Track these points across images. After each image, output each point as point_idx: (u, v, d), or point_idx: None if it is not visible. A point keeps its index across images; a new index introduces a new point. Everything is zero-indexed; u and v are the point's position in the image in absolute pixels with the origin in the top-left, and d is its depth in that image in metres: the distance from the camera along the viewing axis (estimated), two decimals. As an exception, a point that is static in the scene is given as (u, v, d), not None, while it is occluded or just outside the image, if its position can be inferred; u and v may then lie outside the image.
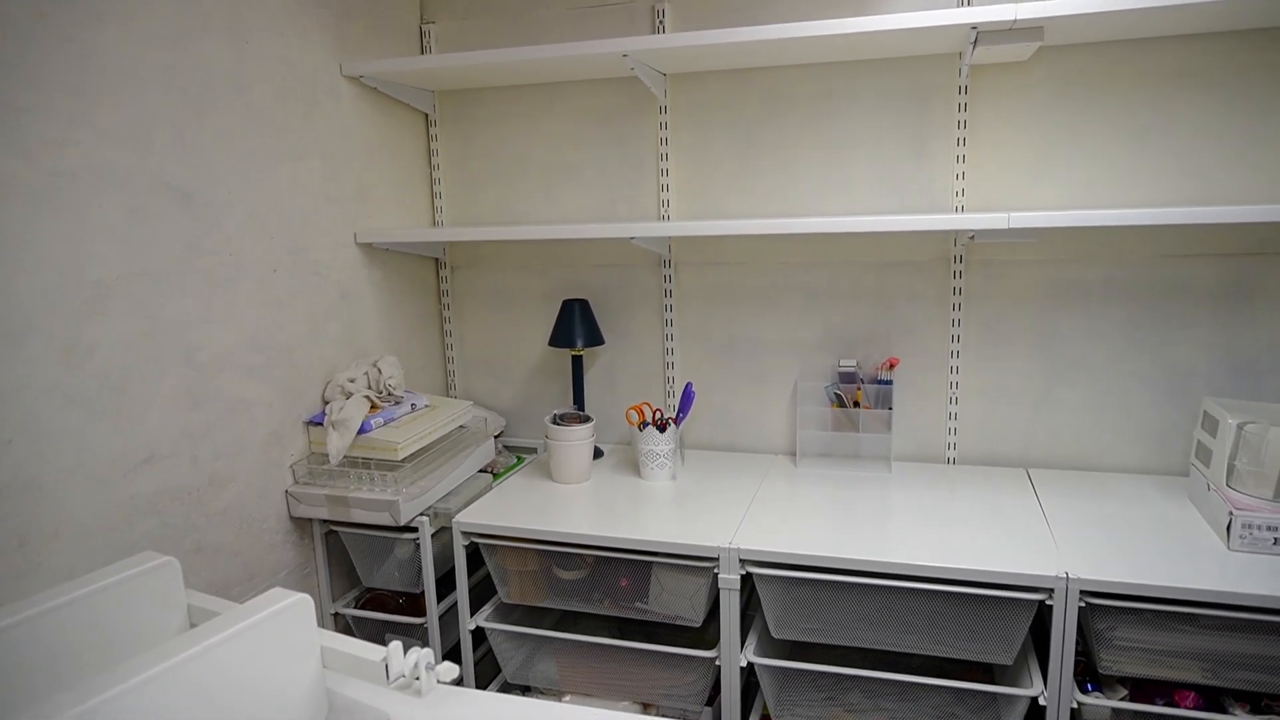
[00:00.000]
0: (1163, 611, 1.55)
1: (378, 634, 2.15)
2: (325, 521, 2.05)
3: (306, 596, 1.12)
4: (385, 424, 2.01)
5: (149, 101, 1.60)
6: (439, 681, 1.13)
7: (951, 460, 2.26)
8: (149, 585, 1.23)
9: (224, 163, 1.78)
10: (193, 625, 1.28)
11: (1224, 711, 1.58)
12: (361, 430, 1.97)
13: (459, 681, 2.07)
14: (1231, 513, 1.65)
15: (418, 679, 1.10)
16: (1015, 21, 1.73)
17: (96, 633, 1.17)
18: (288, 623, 1.11)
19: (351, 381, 2.06)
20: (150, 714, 0.95)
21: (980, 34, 1.80)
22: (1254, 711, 1.58)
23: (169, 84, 1.64)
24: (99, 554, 1.52)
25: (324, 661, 1.17)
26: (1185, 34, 1.92)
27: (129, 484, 1.58)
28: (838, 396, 2.20)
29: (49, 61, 1.42)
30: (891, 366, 2.19)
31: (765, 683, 1.82)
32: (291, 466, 1.99)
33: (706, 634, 1.88)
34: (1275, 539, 1.62)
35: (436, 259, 2.57)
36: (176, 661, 0.99)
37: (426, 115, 2.49)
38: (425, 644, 2.05)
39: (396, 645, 1.12)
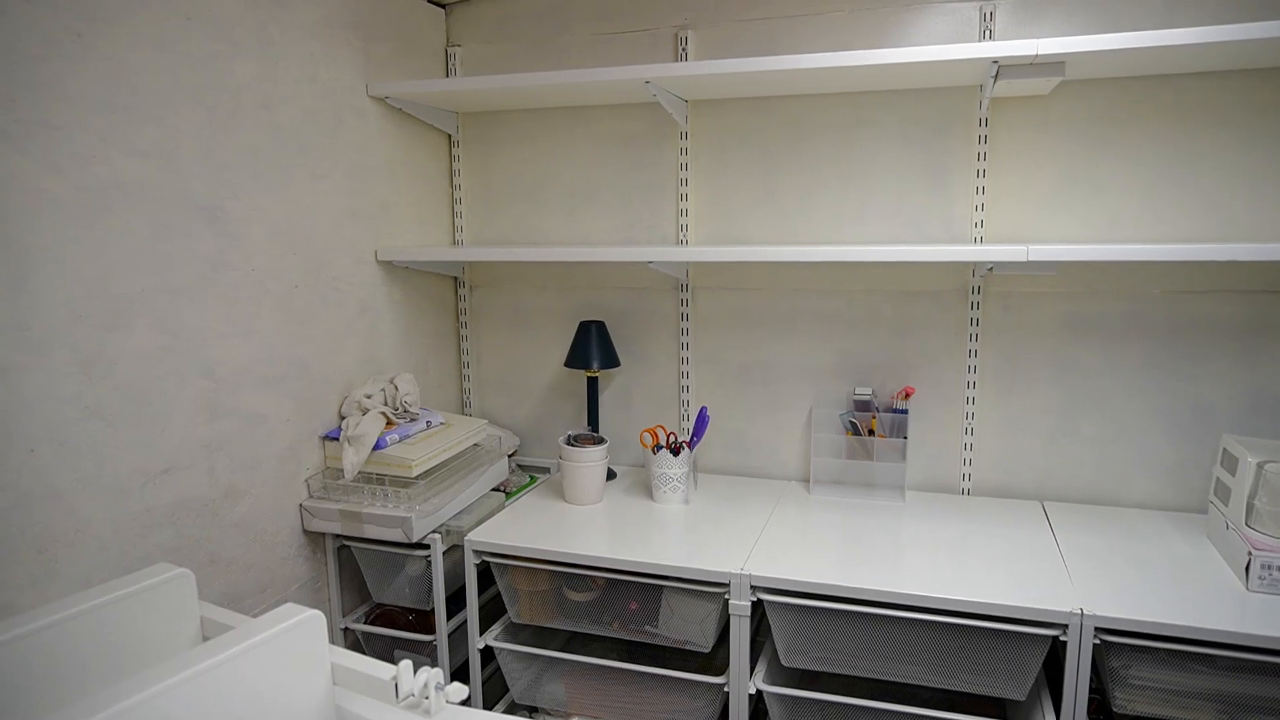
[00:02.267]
0: (1179, 651, 1.53)
1: (387, 649, 2.15)
2: (338, 536, 2.06)
3: (319, 613, 1.13)
4: (400, 440, 2.02)
5: (178, 120, 1.63)
6: (448, 702, 1.13)
7: (966, 491, 2.24)
8: (164, 597, 1.24)
9: (249, 180, 1.80)
10: (205, 637, 1.28)
11: (1240, 755, 1.56)
12: (377, 446, 1.98)
13: (469, 702, 2.07)
14: (1250, 553, 1.63)
15: (427, 699, 1.11)
16: (1037, 56, 1.74)
17: (110, 643, 1.18)
18: (299, 638, 1.12)
19: (368, 398, 2.07)
20: (161, 727, 0.96)
21: (1001, 68, 1.81)
22: (1271, 756, 1.55)
23: (198, 102, 1.67)
24: (115, 564, 1.53)
25: (334, 678, 1.17)
26: (1206, 71, 1.92)
27: (146, 495, 1.59)
28: (853, 424, 2.19)
29: (83, 80, 1.45)
30: (907, 396, 2.18)
31: (774, 711, 1.80)
32: (306, 481, 2.00)
33: (715, 660, 1.87)
34: (1294, 580, 1.60)
35: (456, 278, 2.60)
36: (189, 675, 0.99)
37: (450, 136, 2.52)
38: (434, 661, 2.05)
39: (407, 664, 1.12)
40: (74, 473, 1.46)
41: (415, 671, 1.13)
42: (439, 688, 1.11)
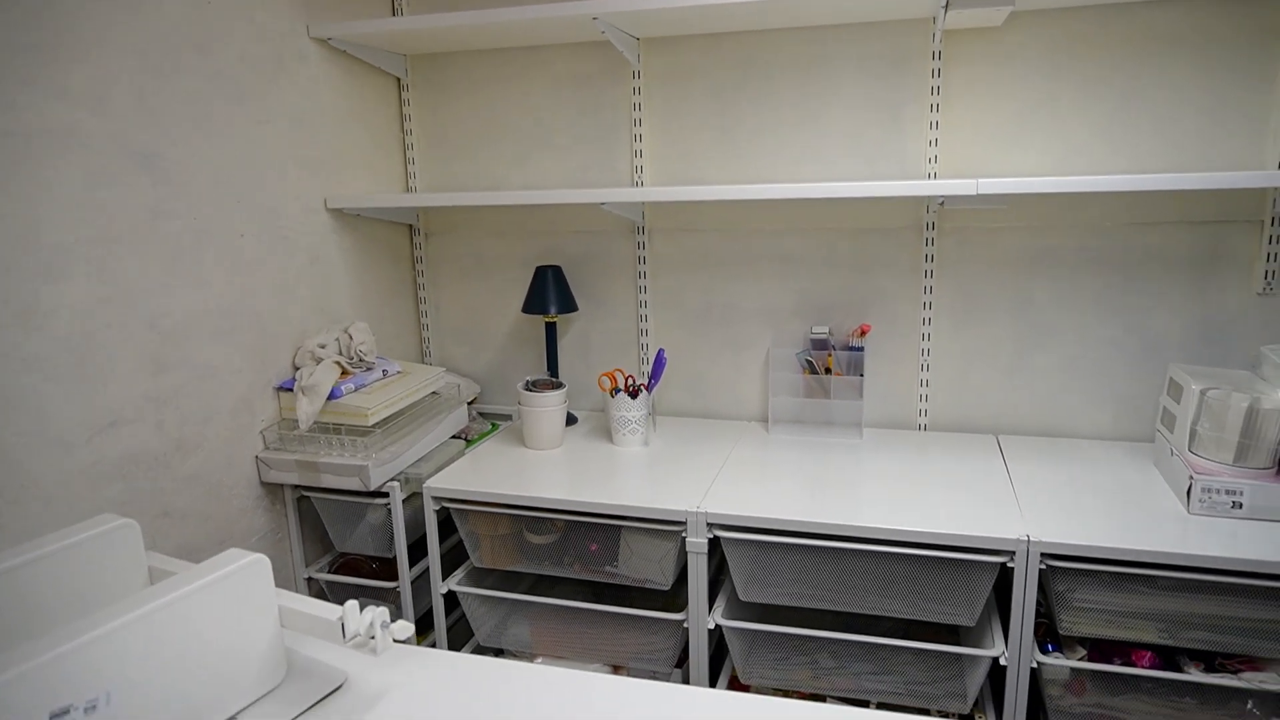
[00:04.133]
0: (1121, 573, 1.57)
1: (352, 598, 2.15)
2: (296, 487, 2.06)
3: (263, 556, 1.12)
4: (356, 390, 2.01)
5: (108, 63, 1.57)
6: (395, 640, 1.14)
7: (923, 427, 2.27)
8: (108, 547, 1.23)
9: (187, 126, 1.75)
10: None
11: (1179, 670, 1.61)
12: (332, 396, 1.96)
13: (432, 644, 2.09)
14: (1192, 477, 1.67)
15: (373, 638, 1.11)
16: (986, -16, 1.72)
17: (54, 595, 1.18)
18: (245, 582, 1.11)
19: (322, 347, 2.05)
20: (105, 671, 0.96)
21: (951, -3, 1.78)
22: (1208, 670, 1.60)
23: (129, 45, 1.61)
24: (62, 518, 1.52)
25: (282, 621, 1.17)
26: (1156, 0, 1.91)
27: (93, 449, 1.57)
28: (809, 363, 2.20)
29: (3, 19, 1.39)
30: (863, 333, 2.19)
31: (733, 645, 1.84)
32: (262, 432, 1.98)
33: (679, 598, 1.90)
34: (1234, 502, 1.64)
35: (410, 225, 2.56)
36: (131, 618, 0.99)
37: (399, 79, 2.46)
38: (399, 607, 2.07)
39: (353, 605, 1.12)
40: (13, 426, 1.43)
41: (361, 611, 1.13)
42: (385, 626, 1.11)
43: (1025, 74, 2.02)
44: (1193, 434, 1.73)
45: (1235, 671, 1.59)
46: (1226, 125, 1.93)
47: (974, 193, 1.78)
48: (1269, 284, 1.95)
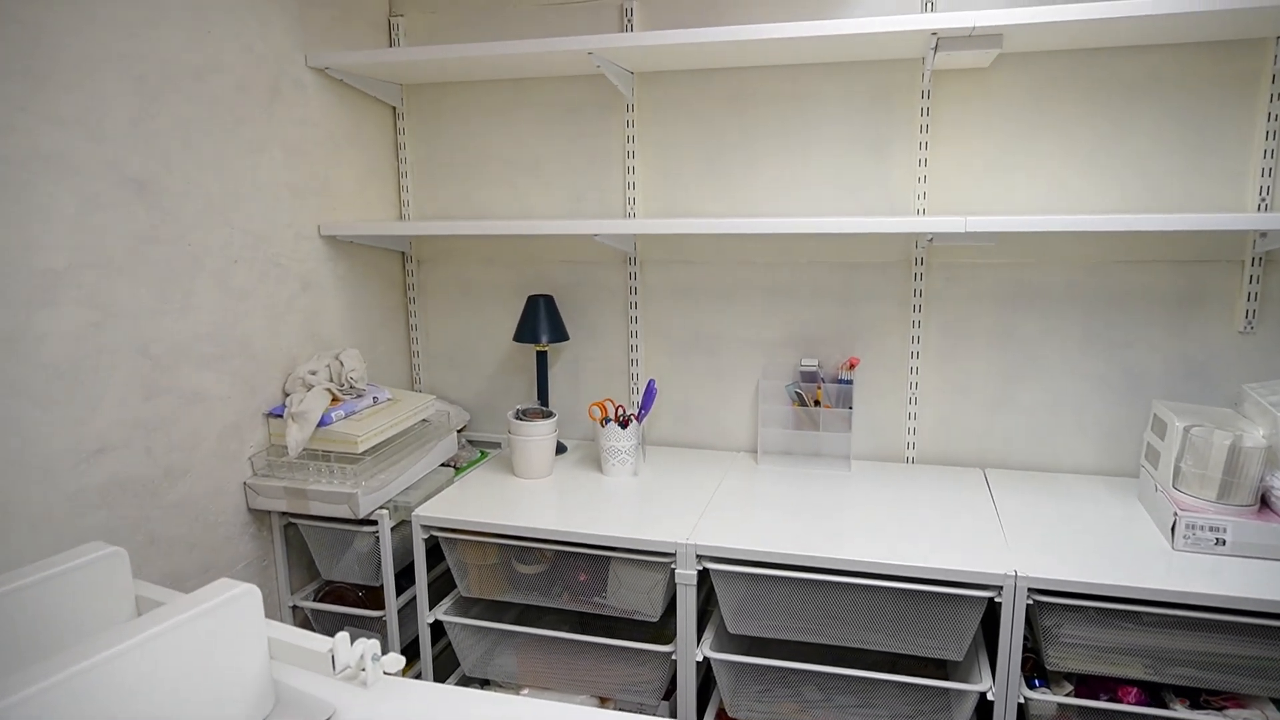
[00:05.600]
0: (1107, 609, 1.58)
1: (337, 627, 2.14)
2: (284, 514, 2.04)
3: (254, 587, 1.12)
4: (346, 417, 2.00)
5: (103, 88, 1.58)
6: (385, 673, 1.13)
7: (911, 460, 2.29)
8: (95, 575, 1.22)
9: (181, 152, 1.76)
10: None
11: (1164, 707, 1.62)
12: (322, 423, 1.96)
13: (418, 674, 2.07)
14: (1176, 513, 1.69)
15: (364, 670, 1.11)
16: (975, 29, 1.75)
17: (41, 623, 1.16)
18: (234, 613, 1.11)
19: (313, 374, 2.05)
20: (93, 702, 0.95)
21: (941, 40, 1.82)
22: (1193, 707, 1.61)
23: (124, 71, 1.62)
24: (48, 546, 1.50)
25: (271, 653, 1.16)
26: (1141, 45, 1.95)
27: (79, 475, 1.56)
28: (799, 395, 2.22)
29: None
30: (852, 366, 2.21)
31: (721, 677, 1.83)
32: (250, 459, 1.97)
33: (666, 629, 1.89)
34: (1217, 539, 1.66)
35: (403, 252, 2.57)
36: (119, 650, 0.98)
37: (394, 109, 2.48)
38: (385, 637, 2.05)
39: (343, 637, 1.12)
40: None
41: (353, 643, 1.13)
42: (375, 659, 1.11)
43: (1011, 113, 2.06)
44: (1177, 471, 1.75)
45: (1220, 709, 1.59)
46: (1206, 167, 1.97)
47: (963, 230, 1.80)
48: (1250, 322, 1.99)
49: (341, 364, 2.11)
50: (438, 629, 2.02)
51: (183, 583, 1.80)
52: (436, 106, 2.47)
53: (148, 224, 1.69)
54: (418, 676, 2.10)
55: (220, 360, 1.88)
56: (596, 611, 1.92)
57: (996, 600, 1.62)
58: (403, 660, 1.14)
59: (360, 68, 2.20)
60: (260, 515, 2.02)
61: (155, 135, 1.69)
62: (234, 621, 1.11)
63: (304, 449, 1.96)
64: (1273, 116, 1.90)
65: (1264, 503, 1.69)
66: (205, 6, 1.80)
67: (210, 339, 1.85)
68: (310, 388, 2.01)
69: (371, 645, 1.12)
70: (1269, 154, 1.91)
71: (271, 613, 2.08)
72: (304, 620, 2.16)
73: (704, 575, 1.79)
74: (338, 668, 1.10)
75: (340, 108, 2.25)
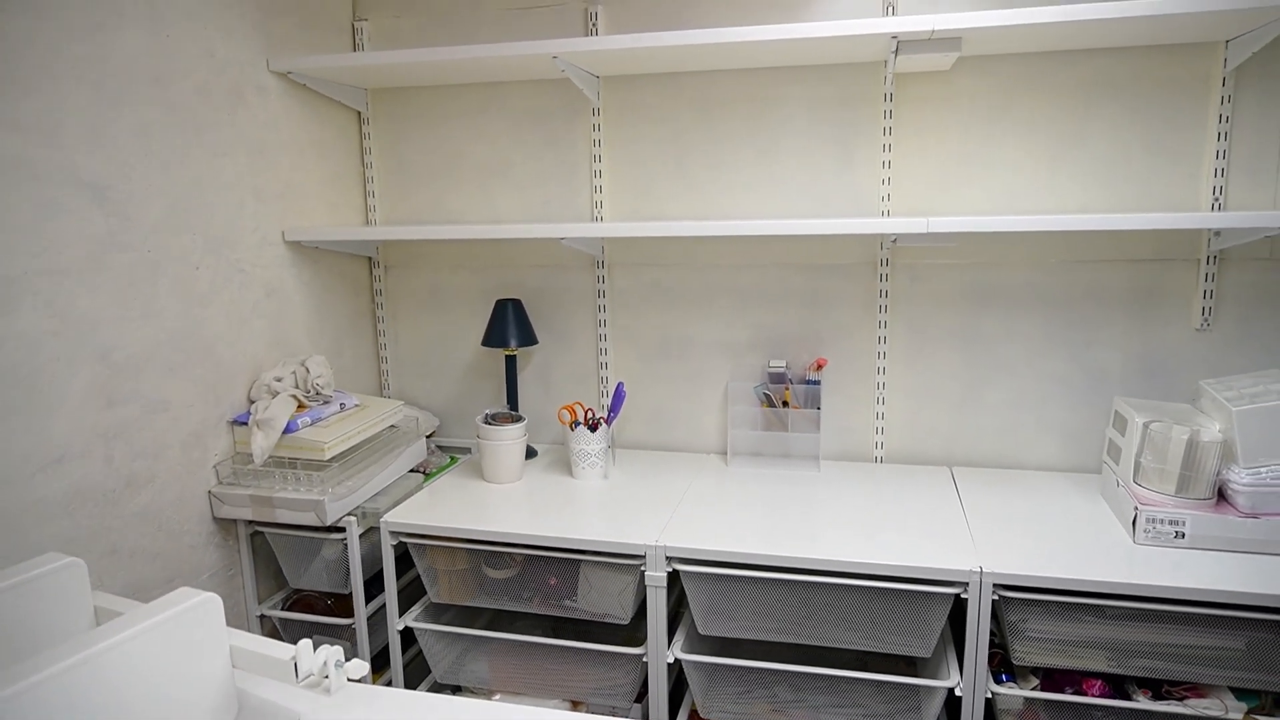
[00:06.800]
0: (1071, 603, 1.61)
1: (306, 636, 2.11)
2: (251, 522, 2.02)
3: (214, 595, 1.11)
4: (312, 424, 1.99)
5: (60, 93, 1.56)
6: (349, 679, 1.12)
7: (879, 459, 2.31)
8: (52, 587, 1.20)
9: (141, 157, 1.74)
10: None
11: (1128, 698, 1.64)
12: (287, 430, 1.94)
13: (389, 682, 2.06)
14: (1137, 507, 1.72)
15: (326, 677, 1.10)
16: (934, 32, 1.78)
17: (-4, 636, 1.14)
18: (194, 622, 1.09)
19: (278, 381, 2.03)
20: (49, 715, 0.93)
21: (901, 43, 1.84)
22: (1155, 698, 1.64)
23: (82, 76, 1.60)
24: (6, 557, 1.48)
25: (234, 661, 1.15)
26: (1098, 48, 1.99)
27: (37, 485, 1.53)
28: (767, 396, 2.23)
29: (-48, 50, 1.38)
30: (820, 367, 2.23)
31: (693, 679, 1.84)
32: (215, 467, 1.95)
33: (638, 632, 1.90)
34: (1176, 532, 1.69)
35: (370, 258, 2.55)
36: (77, 660, 0.96)
37: (359, 113, 2.47)
38: (354, 645, 2.03)
39: (306, 644, 1.11)
40: (-44, 463, 1.40)
41: (315, 650, 1.12)
42: (339, 665, 1.10)
43: (972, 115, 2.09)
44: (1137, 466, 1.78)
45: (1181, 699, 1.62)
46: (1162, 167, 2.01)
47: (925, 231, 1.83)
48: (1206, 320, 2.03)
49: (308, 370, 2.09)
50: (408, 636, 2.01)
51: (146, 593, 1.78)
52: (402, 111, 2.46)
53: (106, 230, 1.66)
54: (389, 684, 2.08)
55: (183, 367, 1.86)
56: (567, 615, 1.92)
57: (963, 596, 1.63)
58: (366, 666, 1.13)
59: (324, 72, 2.19)
60: (226, 524, 2.00)
61: (114, 140, 1.67)
62: (194, 630, 1.10)
63: (270, 456, 1.94)
64: (1223, 118, 1.94)
65: (1221, 496, 1.73)
66: (164, 10, 1.78)
67: (172, 346, 1.83)
68: (276, 394, 2.00)
69: (334, 652, 1.11)
70: (1220, 155, 1.95)
71: (239, 622, 2.05)
72: (272, 629, 2.13)
73: (674, 577, 1.79)
74: (301, 675, 1.09)
75: (304, 112, 2.24)
